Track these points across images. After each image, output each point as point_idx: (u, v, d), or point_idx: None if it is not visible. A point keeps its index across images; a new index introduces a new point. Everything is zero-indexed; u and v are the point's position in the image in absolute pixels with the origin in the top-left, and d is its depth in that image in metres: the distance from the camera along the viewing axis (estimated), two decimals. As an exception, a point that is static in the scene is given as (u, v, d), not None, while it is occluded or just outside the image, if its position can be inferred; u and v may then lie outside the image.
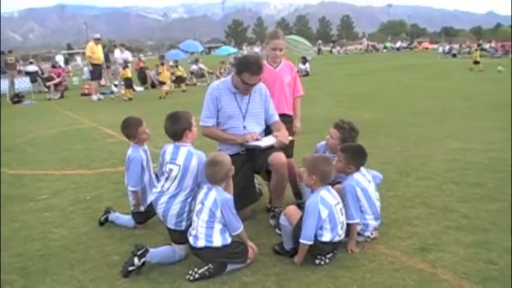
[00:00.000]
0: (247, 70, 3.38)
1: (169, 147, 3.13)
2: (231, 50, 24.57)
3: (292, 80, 3.97)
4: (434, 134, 6.64)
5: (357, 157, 3.15)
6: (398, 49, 48.73)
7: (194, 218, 2.89)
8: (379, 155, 5.47)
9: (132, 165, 3.59)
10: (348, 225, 3.01)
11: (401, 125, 7.42)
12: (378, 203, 3.21)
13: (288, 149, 3.78)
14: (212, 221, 2.79)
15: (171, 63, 18.73)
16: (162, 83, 14.58)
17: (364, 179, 3.14)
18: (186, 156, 3.02)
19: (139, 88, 15.93)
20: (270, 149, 3.43)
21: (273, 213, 3.57)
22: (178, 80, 15.95)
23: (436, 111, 8.66)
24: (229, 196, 2.84)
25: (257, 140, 3.52)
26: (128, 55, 16.65)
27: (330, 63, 27.49)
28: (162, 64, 15.36)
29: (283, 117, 3.87)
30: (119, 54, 16.58)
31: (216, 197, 2.79)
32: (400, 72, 19.09)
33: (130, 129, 3.65)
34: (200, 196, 2.89)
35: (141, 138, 3.67)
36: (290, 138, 3.61)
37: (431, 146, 5.89)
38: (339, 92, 12.62)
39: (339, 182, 3.28)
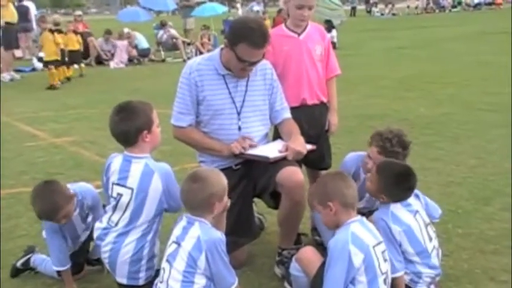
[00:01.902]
0: (246, 40, 3.37)
1: (116, 161, 3.16)
2: (219, 8, 24.64)
3: (324, 53, 4.02)
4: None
5: (396, 188, 3.13)
6: (476, 6, 49.03)
7: (164, 265, 2.88)
8: (443, 171, 5.49)
9: (49, 241, 3.45)
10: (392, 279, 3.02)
11: (478, 125, 7.44)
12: (433, 243, 3.18)
13: (322, 159, 3.93)
14: (192, 273, 2.78)
15: (126, 30, 18.66)
16: (50, 63, 12.93)
17: (407, 213, 3.12)
18: (143, 173, 3.05)
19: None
20: (280, 161, 3.43)
21: (281, 258, 3.59)
22: (73, 57, 14.55)
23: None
24: (219, 236, 2.83)
25: (251, 147, 3.53)
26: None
27: (368, 30, 27.51)
28: (51, 31, 13.18)
29: (318, 107, 3.97)
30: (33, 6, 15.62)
31: (199, 236, 2.78)
32: (477, 42, 19.13)
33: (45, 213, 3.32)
34: (176, 232, 2.88)
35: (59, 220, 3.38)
36: (309, 147, 3.61)
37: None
38: (380, 74, 12.64)
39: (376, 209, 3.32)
